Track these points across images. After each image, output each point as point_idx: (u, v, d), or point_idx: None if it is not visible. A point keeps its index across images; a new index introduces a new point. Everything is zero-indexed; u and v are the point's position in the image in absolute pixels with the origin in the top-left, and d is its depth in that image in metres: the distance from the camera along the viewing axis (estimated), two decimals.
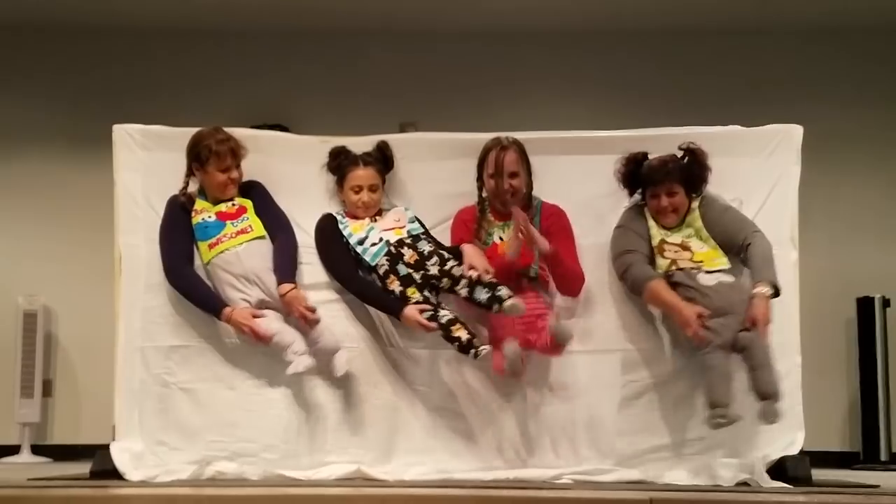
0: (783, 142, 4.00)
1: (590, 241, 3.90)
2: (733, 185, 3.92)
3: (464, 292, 3.67)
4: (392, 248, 3.74)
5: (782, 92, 6.25)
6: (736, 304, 3.63)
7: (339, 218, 3.89)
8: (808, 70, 6.43)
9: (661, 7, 6.24)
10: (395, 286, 3.71)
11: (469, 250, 3.74)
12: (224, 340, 3.86)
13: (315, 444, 3.79)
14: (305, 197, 3.99)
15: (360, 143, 3.99)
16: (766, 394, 3.52)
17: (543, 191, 3.93)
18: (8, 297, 6.17)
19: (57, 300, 6.29)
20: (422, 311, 3.64)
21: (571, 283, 3.80)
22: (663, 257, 3.78)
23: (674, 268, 3.76)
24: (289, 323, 3.76)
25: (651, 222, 3.85)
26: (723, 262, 3.76)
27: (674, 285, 3.72)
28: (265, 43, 6.53)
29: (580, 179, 3.99)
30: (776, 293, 3.65)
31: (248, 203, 3.90)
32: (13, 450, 6.00)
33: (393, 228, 3.80)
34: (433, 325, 3.62)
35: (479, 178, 3.90)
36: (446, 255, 3.75)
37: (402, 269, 3.71)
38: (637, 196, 3.92)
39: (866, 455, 5.91)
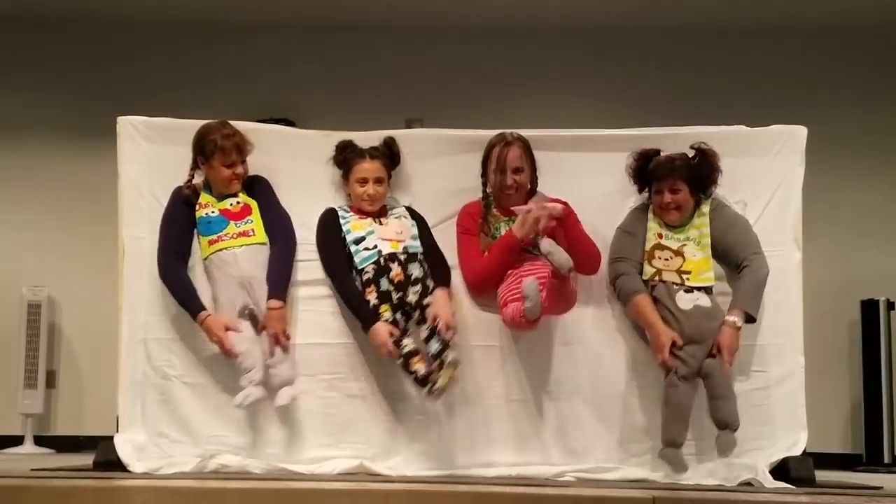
0: (788, 143, 4.00)
1: (595, 238, 3.87)
2: (737, 186, 3.92)
3: (423, 333, 3.69)
4: (381, 260, 3.73)
5: (786, 93, 6.23)
6: (706, 332, 3.66)
7: (340, 213, 3.89)
8: (812, 71, 6.41)
9: (665, 6, 6.22)
10: (373, 297, 3.72)
11: (439, 298, 3.71)
12: None
13: (318, 439, 3.79)
14: (310, 192, 3.99)
15: (366, 139, 3.99)
16: (725, 423, 3.57)
17: (548, 188, 3.93)
18: (12, 287, 6.17)
19: (61, 291, 6.29)
20: (391, 334, 3.65)
21: (589, 257, 3.78)
22: (651, 265, 3.79)
23: (657, 278, 3.76)
24: (260, 340, 3.75)
25: (652, 223, 3.84)
26: (709, 277, 3.77)
27: (653, 300, 3.74)
28: (272, 37, 6.53)
29: (584, 177, 3.99)
30: (750, 320, 3.70)
31: (254, 203, 3.90)
32: (16, 440, 6.00)
33: (391, 240, 3.78)
34: (395, 351, 3.63)
35: (484, 174, 3.90)
36: (431, 286, 3.74)
37: (384, 284, 3.71)
38: (645, 194, 3.92)
39: (869, 457, 5.90)
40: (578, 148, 4.04)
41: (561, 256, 3.49)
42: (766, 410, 3.82)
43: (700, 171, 3.80)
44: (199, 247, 3.86)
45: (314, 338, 3.85)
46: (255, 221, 3.87)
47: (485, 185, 3.91)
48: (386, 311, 3.69)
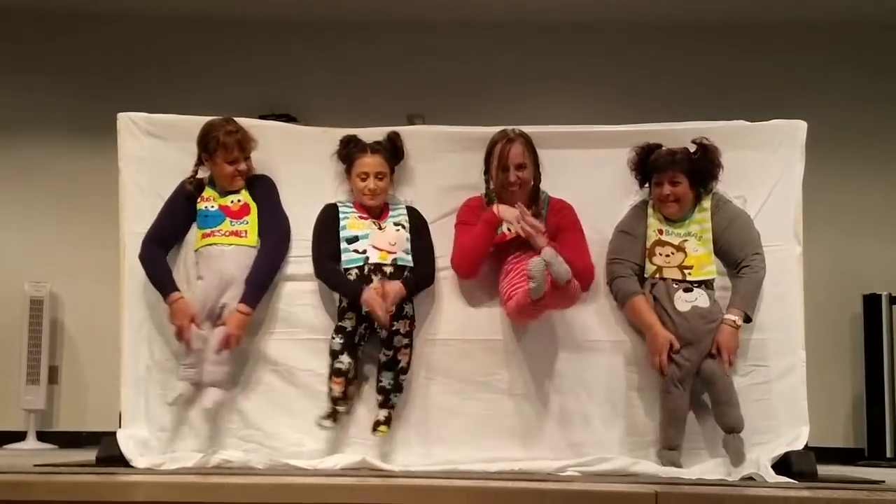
0: (788, 137, 4.00)
1: (596, 235, 3.89)
2: (737, 180, 3.92)
3: (383, 358, 3.74)
4: (366, 268, 3.73)
5: (786, 88, 6.23)
6: (702, 334, 3.69)
7: (341, 208, 3.89)
8: (813, 66, 6.40)
9: (666, 2, 6.22)
10: (345, 301, 3.75)
11: (370, 298, 3.66)
12: None
13: (320, 434, 3.79)
14: (312, 188, 4.00)
15: (368, 135, 3.99)
16: (731, 427, 3.63)
17: (550, 184, 3.93)
18: (14, 283, 6.17)
19: (63, 287, 6.29)
20: (378, 292, 3.66)
21: (579, 278, 3.80)
22: (651, 262, 3.79)
23: (658, 276, 3.77)
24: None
25: (651, 220, 3.84)
26: (711, 271, 3.78)
27: (653, 295, 3.76)
28: (273, 33, 6.52)
29: (585, 173, 3.99)
30: (747, 320, 3.73)
31: (254, 204, 3.90)
32: (19, 436, 6.00)
33: (383, 249, 3.77)
34: (390, 309, 3.65)
35: (487, 171, 3.90)
36: (405, 308, 3.74)
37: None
38: (645, 190, 3.91)
39: (871, 452, 5.91)
40: (579, 144, 4.04)
41: (560, 268, 3.48)
42: (768, 405, 3.82)
43: (700, 165, 3.80)
44: (195, 238, 3.89)
45: (315, 333, 3.85)
46: (251, 223, 3.88)
47: (487, 182, 3.90)
48: (350, 320, 3.72)
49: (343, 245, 3.79)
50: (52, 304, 6.22)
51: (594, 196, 3.95)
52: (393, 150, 3.94)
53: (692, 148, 3.82)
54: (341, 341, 3.72)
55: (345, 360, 3.69)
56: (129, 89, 6.10)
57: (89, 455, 3.91)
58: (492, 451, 3.76)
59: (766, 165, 3.96)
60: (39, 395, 6.08)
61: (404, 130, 4.05)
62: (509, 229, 3.78)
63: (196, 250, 3.88)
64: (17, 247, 6.40)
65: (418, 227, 3.89)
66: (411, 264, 3.79)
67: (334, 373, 3.69)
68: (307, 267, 3.88)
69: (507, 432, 3.80)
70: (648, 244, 3.80)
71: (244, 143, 3.90)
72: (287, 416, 3.82)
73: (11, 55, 6.51)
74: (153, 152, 4.03)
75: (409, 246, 3.82)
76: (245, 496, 3.02)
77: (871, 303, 6.03)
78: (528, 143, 3.86)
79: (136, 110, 4.09)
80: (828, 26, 6.37)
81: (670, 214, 3.81)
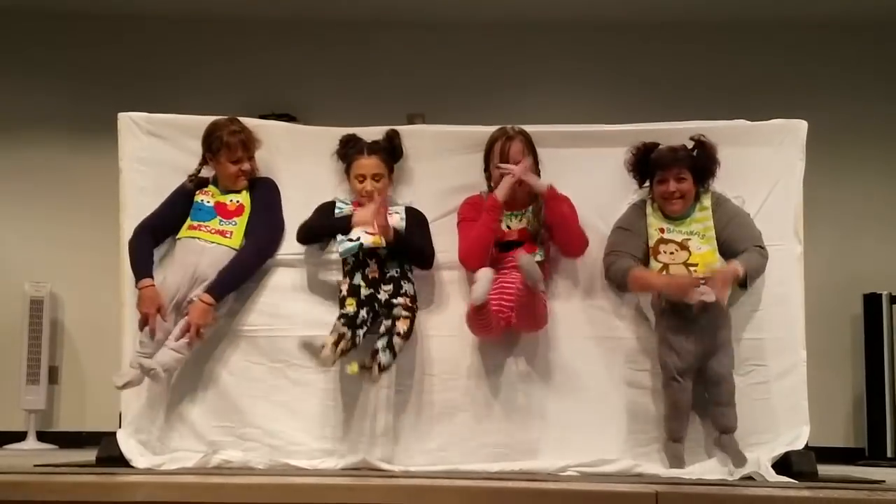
0: (788, 137, 4.00)
1: (595, 234, 3.89)
2: (738, 180, 3.91)
3: (381, 329, 3.70)
4: (361, 254, 3.74)
5: (786, 87, 6.24)
6: (706, 329, 3.67)
7: (338, 203, 3.89)
8: (814, 65, 6.40)
9: (666, 1, 6.22)
10: (344, 288, 3.75)
11: (358, 215, 3.72)
12: (229, 328, 3.87)
13: (321, 433, 3.79)
14: (312, 187, 3.99)
15: (368, 134, 3.99)
16: (727, 428, 3.65)
17: (551, 182, 3.93)
18: (14, 283, 6.18)
19: (63, 287, 6.30)
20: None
21: (574, 238, 3.80)
22: (657, 260, 3.78)
23: (664, 273, 3.76)
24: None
25: (652, 219, 3.83)
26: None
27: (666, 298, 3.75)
28: (273, 32, 6.52)
29: (587, 173, 3.98)
30: (743, 286, 3.70)
31: (249, 208, 3.91)
32: (19, 436, 6.00)
33: (375, 234, 3.75)
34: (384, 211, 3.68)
35: (486, 169, 3.90)
36: (403, 286, 3.74)
37: (357, 279, 3.73)
38: (644, 190, 3.91)
39: (871, 451, 5.91)
40: (579, 144, 4.04)
41: (534, 273, 3.50)
42: (768, 404, 3.82)
43: (701, 162, 3.81)
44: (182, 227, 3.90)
45: (316, 330, 3.85)
46: (239, 225, 3.89)
47: (488, 179, 3.90)
48: (351, 305, 3.70)
49: (339, 235, 3.79)
50: (53, 305, 6.22)
51: (593, 195, 3.95)
52: (391, 150, 3.94)
53: (689, 145, 3.82)
54: (344, 322, 3.68)
55: (346, 331, 3.65)
56: (129, 89, 6.11)
57: (89, 455, 3.91)
58: (492, 451, 3.76)
59: (766, 165, 3.96)
60: (39, 395, 6.08)
61: (404, 130, 4.05)
62: (509, 227, 3.78)
63: (178, 238, 3.88)
64: (18, 247, 6.40)
65: (418, 220, 3.89)
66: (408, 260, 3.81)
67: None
68: (304, 262, 3.89)
69: (507, 432, 3.80)
70: (651, 243, 3.80)
71: (248, 144, 3.91)
72: (287, 416, 3.82)
73: (11, 55, 6.51)
74: (154, 152, 4.04)
75: (402, 226, 3.82)
76: (245, 496, 3.02)
77: (872, 302, 6.03)
78: (528, 141, 3.86)
79: (137, 110, 4.10)
80: (828, 26, 6.37)
81: (674, 212, 3.81)
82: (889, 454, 5.85)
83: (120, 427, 3.84)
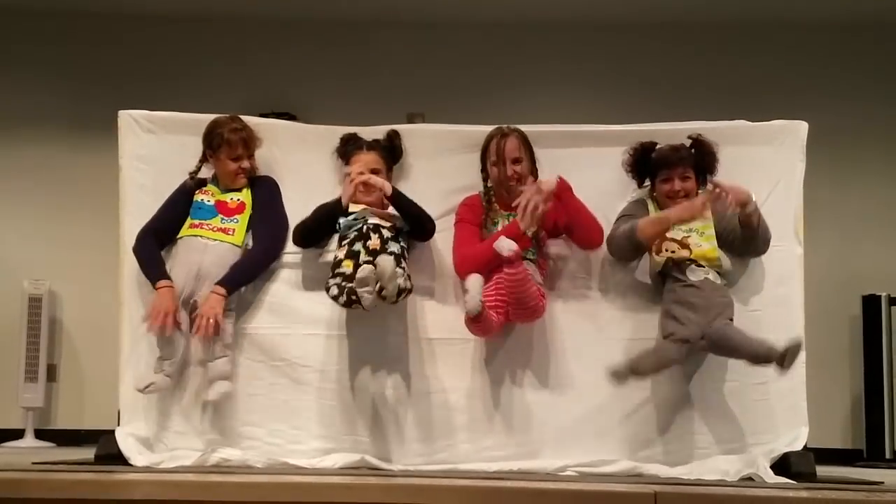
0: (789, 138, 4.00)
1: None
2: (738, 181, 3.87)
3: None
4: (365, 227, 3.73)
5: (787, 88, 6.24)
6: (713, 303, 3.64)
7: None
8: (814, 66, 6.41)
9: (667, 2, 6.22)
10: (341, 254, 3.70)
11: (346, 186, 3.77)
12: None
13: (320, 432, 3.79)
14: (312, 186, 3.99)
15: (369, 133, 4.00)
16: (767, 353, 3.50)
17: None
18: (13, 281, 6.18)
19: (62, 285, 6.30)
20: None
21: (591, 229, 3.79)
22: (659, 256, 3.78)
23: (670, 263, 3.76)
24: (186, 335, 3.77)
25: (654, 215, 3.83)
26: (717, 263, 3.76)
27: (664, 276, 3.74)
28: (273, 31, 6.52)
29: (586, 173, 3.97)
30: (755, 209, 3.68)
31: (250, 205, 3.90)
32: (17, 434, 6.00)
33: (379, 215, 3.77)
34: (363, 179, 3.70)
35: (484, 169, 3.89)
36: (402, 262, 3.68)
37: (357, 247, 3.69)
38: (643, 189, 3.91)
39: (870, 453, 5.91)
40: (579, 144, 4.04)
41: (502, 245, 3.46)
42: (767, 405, 3.82)
43: (703, 160, 3.82)
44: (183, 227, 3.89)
45: (315, 329, 3.85)
46: (241, 223, 3.88)
47: (485, 179, 3.90)
48: (347, 266, 3.64)
49: (341, 220, 3.79)
50: (51, 302, 6.22)
51: (593, 195, 3.94)
52: (391, 149, 3.95)
53: (687, 144, 3.83)
54: (338, 281, 3.62)
55: (347, 285, 3.58)
56: (129, 88, 6.12)
57: (88, 453, 3.90)
58: (491, 451, 3.76)
59: (767, 166, 3.95)
60: (38, 392, 6.08)
61: (404, 129, 4.05)
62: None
63: (179, 237, 3.86)
64: (16, 244, 6.40)
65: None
66: (407, 228, 3.80)
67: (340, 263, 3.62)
68: (305, 262, 3.88)
69: (506, 432, 3.80)
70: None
71: (248, 141, 3.91)
72: (286, 414, 3.82)
73: (12, 53, 6.51)
74: (154, 150, 4.03)
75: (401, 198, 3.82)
76: (244, 495, 3.02)
77: (871, 304, 6.03)
78: (524, 138, 3.86)
79: (136, 108, 4.09)
80: (829, 26, 6.37)
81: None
82: (887, 455, 5.85)
83: (118, 425, 3.84)
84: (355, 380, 3.83)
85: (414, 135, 4.06)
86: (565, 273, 3.92)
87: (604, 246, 3.87)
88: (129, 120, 4.05)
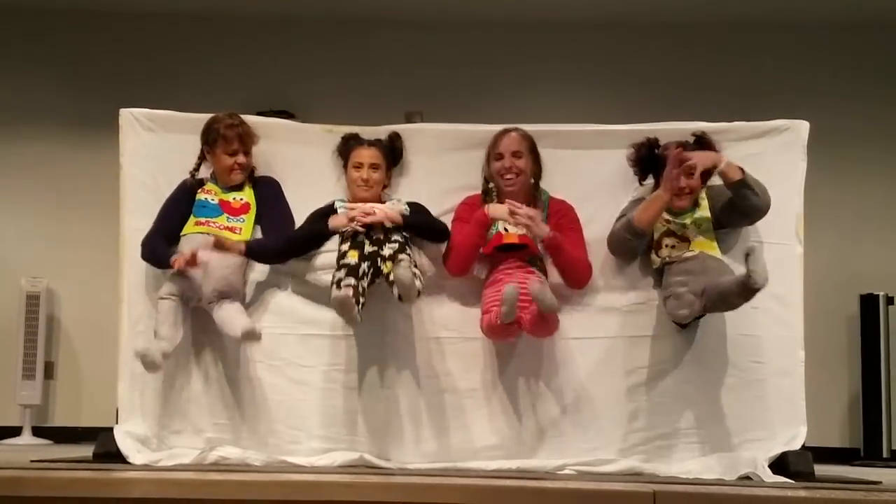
0: (790, 137, 4.00)
1: (595, 234, 3.89)
2: None
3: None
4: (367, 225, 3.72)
5: (788, 86, 6.24)
6: (712, 268, 3.63)
7: (338, 203, 3.88)
8: (815, 66, 6.40)
9: (667, 1, 6.22)
10: (345, 247, 3.69)
11: (336, 219, 3.76)
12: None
13: (318, 431, 3.79)
14: (311, 185, 3.99)
15: (369, 133, 4.00)
16: (743, 280, 3.40)
17: (549, 184, 3.94)
18: (11, 278, 6.16)
19: (60, 282, 6.28)
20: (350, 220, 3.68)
21: (577, 272, 3.79)
22: (657, 255, 3.80)
23: (668, 258, 3.77)
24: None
25: (645, 201, 3.83)
26: (716, 252, 3.76)
27: (665, 266, 3.75)
28: (272, 29, 6.51)
29: (586, 172, 3.99)
30: (728, 165, 3.67)
31: (255, 205, 3.90)
32: (14, 431, 5.99)
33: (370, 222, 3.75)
34: (355, 225, 3.67)
35: (487, 168, 3.89)
36: (407, 249, 3.69)
37: (361, 237, 3.69)
38: (643, 187, 3.92)
39: (868, 452, 5.91)
40: (579, 144, 4.04)
41: (546, 298, 3.43)
42: (766, 404, 3.83)
43: None
44: (186, 225, 3.87)
45: (314, 329, 3.84)
46: (248, 222, 3.88)
47: (486, 181, 3.90)
48: (352, 257, 3.63)
49: (337, 203, 3.80)
50: (49, 300, 6.21)
51: (593, 195, 3.95)
52: (391, 148, 3.95)
53: (691, 141, 3.84)
54: (343, 273, 3.58)
55: (354, 282, 3.54)
56: (127, 85, 6.10)
57: (86, 451, 3.90)
58: (490, 450, 3.76)
59: (767, 165, 3.95)
60: (35, 390, 6.07)
61: (404, 129, 4.05)
62: (506, 229, 3.78)
63: (184, 234, 3.84)
64: (14, 242, 6.38)
65: (419, 207, 3.89)
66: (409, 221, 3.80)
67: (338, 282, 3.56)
68: (305, 261, 3.87)
69: (505, 430, 3.80)
70: (656, 235, 3.79)
71: (244, 137, 3.91)
72: (285, 413, 3.82)
73: (12, 50, 6.49)
74: (154, 148, 4.03)
75: (405, 209, 3.81)
76: (242, 493, 3.02)
77: (868, 303, 6.03)
78: (527, 137, 3.87)
79: (135, 106, 4.08)
80: (830, 26, 6.37)
81: (682, 206, 3.80)
82: (885, 455, 5.85)
83: (116, 423, 3.83)
84: (354, 378, 3.84)
85: (413, 134, 4.06)
86: None
87: (599, 243, 3.86)
88: (130, 118, 4.05)
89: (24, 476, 3.14)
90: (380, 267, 3.64)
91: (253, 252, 3.82)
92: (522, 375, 3.84)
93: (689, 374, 3.81)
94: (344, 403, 3.82)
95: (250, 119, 4.02)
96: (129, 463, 3.59)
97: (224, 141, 3.86)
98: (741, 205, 3.73)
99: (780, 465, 3.62)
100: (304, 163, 4.02)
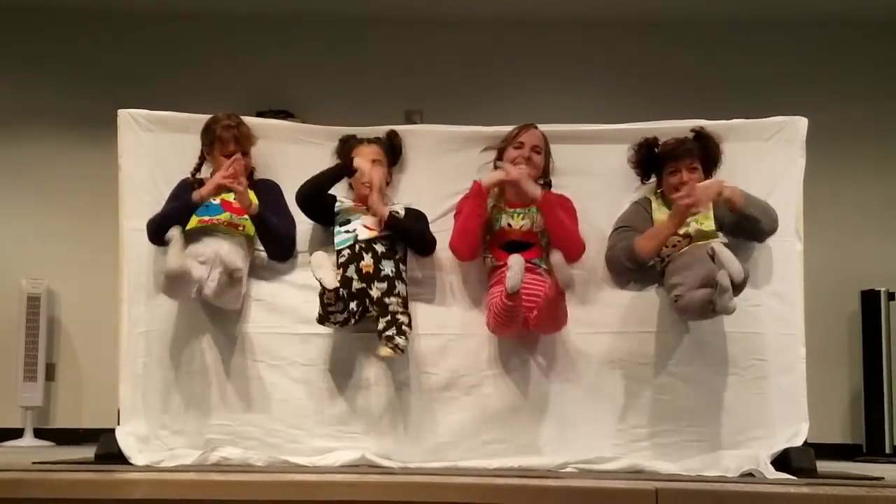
0: (788, 133, 4.00)
1: (596, 233, 3.90)
2: (738, 177, 3.90)
3: (381, 326, 3.66)
4: (356, 246, 3.72)
5: (787, 83, 6.24)
6: (703, 257, 3.60)
7: (339, 200, 3.88)
8: (814, 62, 6.40)
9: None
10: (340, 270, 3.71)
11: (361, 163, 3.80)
12: (228, 325, 3.86)
13: (320, 430, 3.79)
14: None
15: (369, 133, 4.00)
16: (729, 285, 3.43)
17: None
18: (11, 280, 6.16)
19: (60, 284, 6.28)
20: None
21: (570, 240, 3.74)
22: (658, 255, 3.79)
23: (667, 256, 3.79)
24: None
25: (658, 214, 3.84)
26: (714, 234, 3.77)
27: (666, 264, 3.75)
28: (272, 29, 6.51)
29: (586, 171, 3.99)
30: (731, 193, 3.67)
31: (257, 205, 3.88)
32: (16, 433, 6.00)
33: (372, 229, 3.76)
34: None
35: (500, 158, 3.89)
36: (397, 286, 3.70)
37: (351, 272, 3.70)
38: (647, 186, 3.91)
39: (870, 448, 5.91)
40: (577, 142, 4.04)
41: (566, 272, 3.48)
42: (768, 401, 3.82)
43: (708, 151, 3.84)
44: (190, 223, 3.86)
45: (315, 328, 3.84)
46: (250, 221, 3.87)
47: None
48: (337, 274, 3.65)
49: (336, 228, 3.79)
50: (50, 301, 6.21)
51: (593, 194, 3.96)
52: (390, 146, 3.95)
53: (690, 137, 3.85)
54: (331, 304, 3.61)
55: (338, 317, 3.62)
56: (126, 85, 6.10)
57: (87, 452, 3.90)
58: (492, 448, 3.76)
59: (766, 162, 3.96)
60: (37, 391, 6.07)
61: (404, 129, 4.05)
62: (510, 224, 3.78)
63: (186, 230, 3.82)
64: (15, 243, 6.39)
65: (417, 214, 3.89)
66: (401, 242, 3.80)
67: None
68: (305, 262, 3.87)
69: (506, 428, 3.80)
70: None
71: (241, 139, 3.91)
72: (286, 413, 3.82)
73: (9, 51, 6.49)
74: (153, 149, 4.03)
75: (401, 218, 3.81)
76: (244, 493, 3.01)
77: (869, 299, 6.03)
78: (545, 137, 3.90)
79: (136, 107, 4.09)
80: (829, 23, 6.37)
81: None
82: (887, 450, 5.85)
83: (118, 424, 3.83)
84: (355, 378, 3.83)
85: (413, 134, 4.06)
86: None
87: (600, 240, 3.87)
88: (129, 119, 4.05)
89: (26, 478, 3.14)
90: (368, 308, 3.68)
91: (262, 217, 3.82)
92: (524, 373, 3.84)
93: (691, 371, 3.81)
94: (345, 403, 3.82)
95: (250, 120, 4.03)
96: (130, 464, 3.59)
97: (220, 143, 3.88)
98: (748, 227, 3.77)
99: (782, 461, 3.63)
100: (304, 163, 4.01)
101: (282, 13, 6.44)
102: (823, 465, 3.80)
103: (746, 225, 3.75)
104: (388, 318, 3.67)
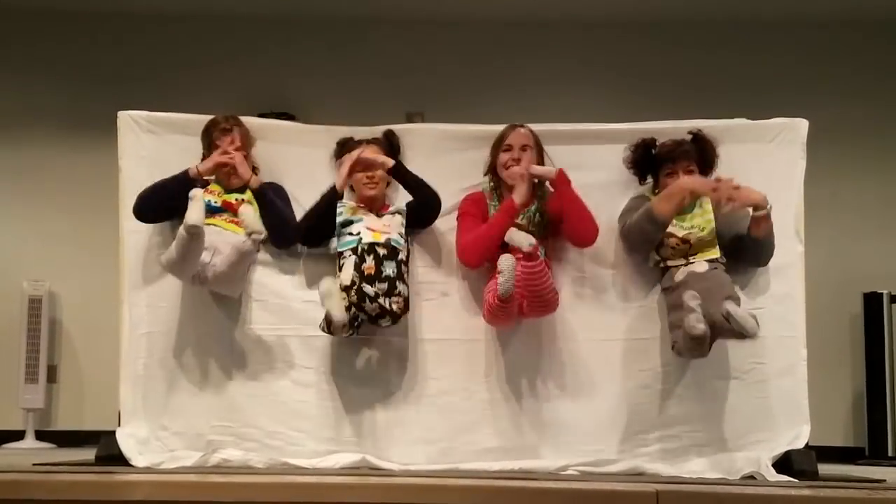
0: (789, 135, 4.00)
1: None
2: (739, 179, 3.87)
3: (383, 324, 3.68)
4: (359, 248, 3.71)
5: (788, 84, 6.24)
6: (724, 283, 3.61)
7: (340, 205, 3.86)
8: (815, 64, 6.40)
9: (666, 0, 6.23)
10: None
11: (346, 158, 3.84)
12: (229, 327, 3.86)
13: (320, 433, 3.79)
14: (311, 186, 3.98)
15: (367, 133, 4.00)
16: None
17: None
18: (13, 282, 6.17)
19: (62, 286, 6.28)
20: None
21: (585, 220, 3.73)
22: (658, 254, 3.80)
23: (668, 258, 3.78)
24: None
25: (664, 191, 3.83)
26: (715, 252, 3.76)
27: (666, 268, 3.76)
28: (272, 30, 6.51)
29: (586, 171, 3.97)
30: (768, 213, 3.68)
31: (257, 206, 3.88)
32: (17, 435, 5.99)
33: (375, 230, 3.76)
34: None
35: (493, 160, 3.88)
36: (398, 288, 3.68)
37: (354, 275, 3.68)
38: (645, 186, 3.91)
39: (872, 450, 5.90)
40: (578, 142, 4.03)
41: (520, 238, 3.50)
42: (769, 403, 3.82)
43: (704, 153, 3.83)
44: None
45: (316, 330, 3.83)
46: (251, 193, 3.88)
47: (491, 179, 3.89)
48: (343, 300, 3.64)
49: (339, 230, 3.79)
50: (51, 303, 6.21)
51: (593, 194, 3.93)
52: (389, 145, 3.95)
53: (688, 139, 3.85)
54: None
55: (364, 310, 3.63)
56: (127, 87, 6.10)
57: (88, 454, 3.90)
58: (493, 450, 3.75)
59: (767, 163, 3.95)
60: (38, 393, 6.07)
61: (405, 128, 4.05)
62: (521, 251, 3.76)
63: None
64: (16, 245, 6.39)
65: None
66: (404, 246, 3.79)
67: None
68: (305, 262, 3.89)
69: (507, 431, 3.80)
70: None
71: (235, 140, 3.91)
72: (287, 415, 3.81)
73: (9, 53, 6.50)
74: (154, 150, 4.02)
75: (402, 230, 3.80)
76: (245, 495, 3.01)
77: (872, 301, 6.02)
78: (534, 134, 3.88)
79: (135, 108, 4.09)
80: (829, 24, 6.37)
81: (685, 205, 3.80)
82: (889, 453, 5.84)
83: (119, 426, 3.83)
84: (356, 380, 3.83)
85: (414, 133, 4.06)
86: (567, 271, 3.91)
87: (601, 243, 3.85)
88: (129, 120, 4.05)
89: (27, 479, 3.14)
90: (364, 311, 3.65)
91: (263, 192, 3.82)
92: (525, 376, 3.84)
93: (692, 374, 3.80)
94: (346, 405, 3.82)
95: (250, 121, 4.03)
96: (131, 466, 3.60)
97: (218, 144, 3.87)
98: (748, 250, 3.78)
99: (783, 464, 3.62)
100: (304, 163, 4.02)
101: (282, 14, 6.44)
102: (825, 468, 3.80)
103: (749, 247, 3.77)
104: (387, 317, 3.66)
